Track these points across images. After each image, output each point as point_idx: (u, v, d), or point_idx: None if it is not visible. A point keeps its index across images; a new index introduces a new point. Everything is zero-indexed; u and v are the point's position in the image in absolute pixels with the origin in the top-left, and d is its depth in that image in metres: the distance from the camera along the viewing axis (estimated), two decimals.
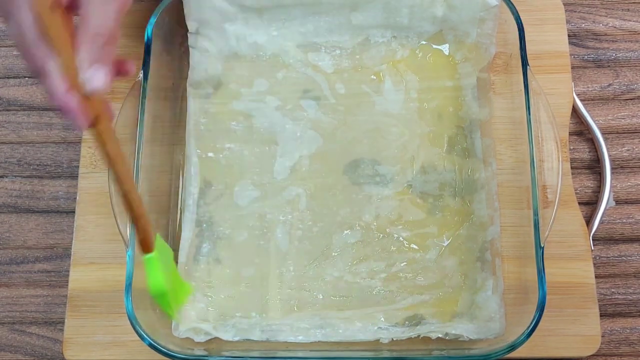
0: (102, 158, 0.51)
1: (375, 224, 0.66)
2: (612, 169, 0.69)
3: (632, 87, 0.73)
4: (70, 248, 0.67)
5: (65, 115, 0.47)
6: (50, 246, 0.70)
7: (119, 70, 0.53)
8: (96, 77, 0.47)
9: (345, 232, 0.66)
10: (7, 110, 0.74)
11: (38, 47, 0.46)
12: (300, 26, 0.70)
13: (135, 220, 0.54)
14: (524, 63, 0.63)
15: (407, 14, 0.69)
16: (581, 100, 0.72)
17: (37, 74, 0.47)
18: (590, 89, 0.73)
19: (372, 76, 0.70)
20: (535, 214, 0.60)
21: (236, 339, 0.62)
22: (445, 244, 0.65)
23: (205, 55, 0.70)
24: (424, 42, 0.71)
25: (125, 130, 0.63)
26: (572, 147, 0.71)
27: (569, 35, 0.73)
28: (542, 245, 0.59)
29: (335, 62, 0.71)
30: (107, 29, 0.48)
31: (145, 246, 0.55)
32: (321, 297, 0.65)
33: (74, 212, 0.68)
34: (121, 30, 0.50)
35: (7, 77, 0.75)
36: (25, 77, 0.75)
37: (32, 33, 0.45)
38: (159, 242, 0.57)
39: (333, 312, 0.64)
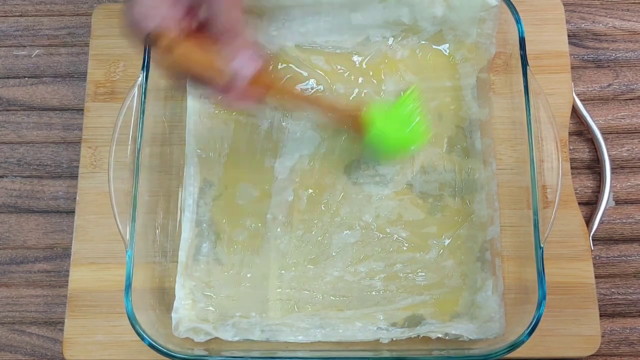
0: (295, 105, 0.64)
1: (375, 224, 0.66)
2: (612, 169, 0.69)
3: (632, 87, 0.73)
4: (70, 248, 0.67)
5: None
6: (50, 246, 0.70)
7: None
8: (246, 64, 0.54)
9: (345, 232, 0.66)
10: (7, 110, 0.74)
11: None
12: (300, 26, 0.70)
13: (331, 109, 0.65)
14: (524, 63, 0.63)
15: (407, 13, 0.69)
16: (581, 100, 0.72)
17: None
18: (590, 89, 0.73)
19: (372, 76, 0.70)
20: (535, 214, 0.60)
21: (236, 339, 0.62)
22: (445, 244, 0.65)
23: None
24: (424, 42, 0.71)
25: (125, 130, 0.63)
26: (572, 147, 0.71)
27: (569, 35, 0.73)
28: (542, 246, 0.59)
29: (335, 62, 0.71)
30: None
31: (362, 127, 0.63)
32: (321, 297, 0.65)
33: (74, 212, 0.68)
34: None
35: (7, 77, 0.75)
36: (25, 77, 0.75)
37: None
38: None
39: (333, 312, 0.64)
